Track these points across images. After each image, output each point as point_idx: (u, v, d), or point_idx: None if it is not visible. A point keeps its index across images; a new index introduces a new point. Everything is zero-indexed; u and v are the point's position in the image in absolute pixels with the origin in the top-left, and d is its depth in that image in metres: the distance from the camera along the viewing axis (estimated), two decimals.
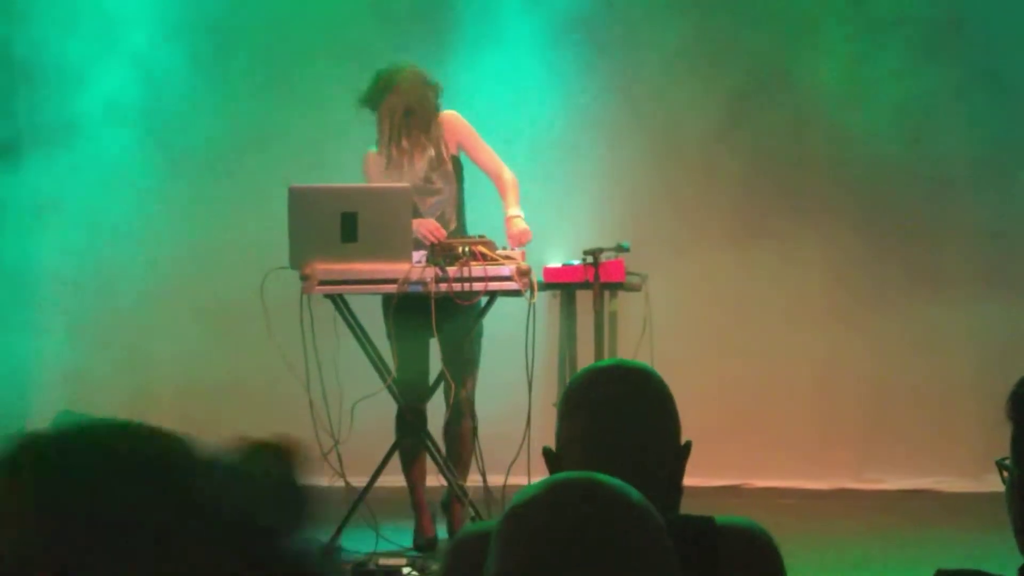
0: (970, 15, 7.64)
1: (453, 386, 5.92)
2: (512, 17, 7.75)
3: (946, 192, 7.66)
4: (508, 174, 6.15)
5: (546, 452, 2.25)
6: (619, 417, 2.19)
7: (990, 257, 7.64)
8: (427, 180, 6.13)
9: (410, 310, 5.80)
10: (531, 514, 1.53)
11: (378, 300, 6.06)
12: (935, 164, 7.65)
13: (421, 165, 6.13)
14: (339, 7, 7.87)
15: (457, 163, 6.21)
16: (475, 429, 6.08)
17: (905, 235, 7.66)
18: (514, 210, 6.08)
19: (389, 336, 6.03)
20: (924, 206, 7.66)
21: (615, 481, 1.56)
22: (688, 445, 2.24)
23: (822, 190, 7.68)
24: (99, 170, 7.83)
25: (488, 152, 6.20)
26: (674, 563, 1.53)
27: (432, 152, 6.13)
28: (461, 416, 6.07)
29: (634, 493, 1.55)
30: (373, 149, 6.20)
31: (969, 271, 7.62)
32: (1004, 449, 2.02)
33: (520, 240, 5.99)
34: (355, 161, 6.32)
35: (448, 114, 6.18)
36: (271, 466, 1.24)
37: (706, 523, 2.15)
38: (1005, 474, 2.03)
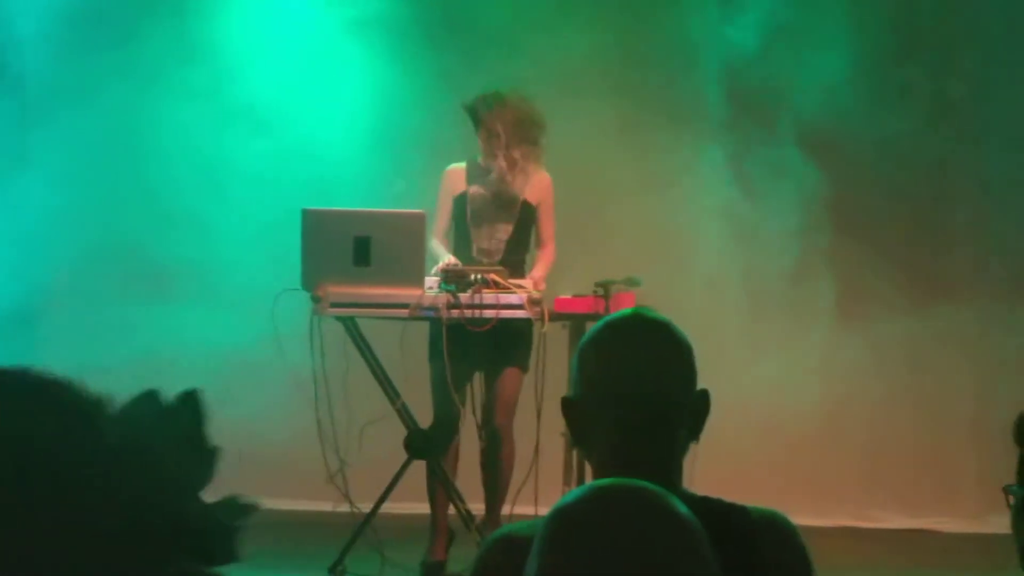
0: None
1: (496, 413, 5.95)
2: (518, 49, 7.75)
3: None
4: (552, 249, 6.21)
5: (564, 401, 2.19)
6: (642, 349, 2.19)
7: (992, 297, 7.66)
8: (507, 206, 6.15)
9: (457, 337, 5.81)
10: (576, 517, 1.53)
11: (386, 325, 6.05)
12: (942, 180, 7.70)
13: (517, 185, 6.13)
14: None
15: (530, 211, 6.19)
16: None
17: (910, 269, 7.68)
18: (538, 272, 6.11)
19: (431, 359, 6.01)
20: (928, 227, 7.72)
21: (661, 490, 1.56)
22: (706, 392, 2.22)
23: (832, 219, 7.71)
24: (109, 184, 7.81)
25: (552, 223, 6.23)
26: (715, 573, 1.53)
27: (526, 187, 6.15)
28: (502, 443, 6.07)
29: (680, 505, 1.55)
30: (457, 165, 6.22)
31: (971, 313, 7.65)
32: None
33: (536, 279, 6.01)
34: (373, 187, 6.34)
35: (546, 174, 6.20)
36: (183, 421, 1.21)
37: (742, 513, 2.11)
38: (1011, 499, 2.05)
